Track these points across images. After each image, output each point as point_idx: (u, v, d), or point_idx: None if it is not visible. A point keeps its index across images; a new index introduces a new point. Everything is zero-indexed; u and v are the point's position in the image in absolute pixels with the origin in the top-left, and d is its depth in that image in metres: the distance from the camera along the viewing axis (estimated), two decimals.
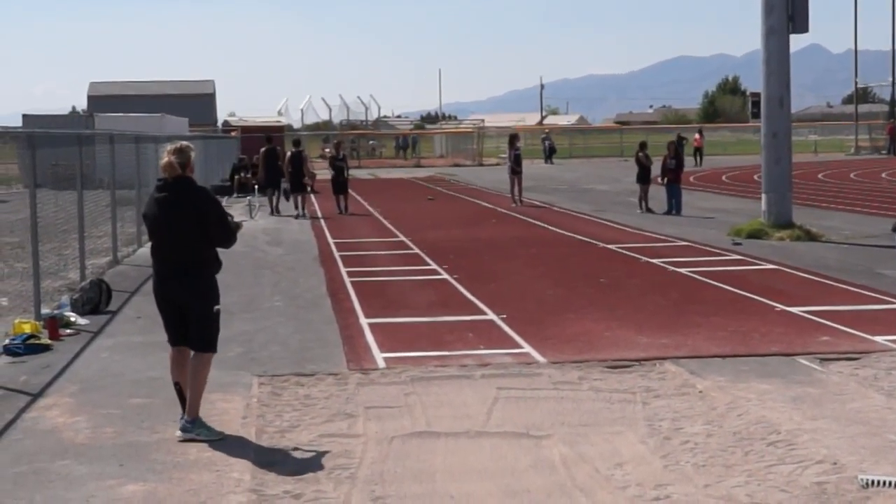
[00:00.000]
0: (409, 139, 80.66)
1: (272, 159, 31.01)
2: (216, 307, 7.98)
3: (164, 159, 8.00)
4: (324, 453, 7.30)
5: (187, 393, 7.88)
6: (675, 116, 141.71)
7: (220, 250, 8.09)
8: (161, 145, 26.12)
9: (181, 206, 7.89)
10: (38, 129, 17.63)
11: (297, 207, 28.86)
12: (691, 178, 43.36)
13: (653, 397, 8.68)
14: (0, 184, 34.38)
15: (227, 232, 8.04)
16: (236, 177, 37.84)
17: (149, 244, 8.55)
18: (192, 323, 7.95)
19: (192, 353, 7.96)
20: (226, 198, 33.16)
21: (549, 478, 6.76)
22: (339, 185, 29.61)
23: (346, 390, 9.06)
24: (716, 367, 9.70)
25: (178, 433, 7.76)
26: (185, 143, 8.25)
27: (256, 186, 31.29)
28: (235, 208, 26.52)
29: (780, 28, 21.02)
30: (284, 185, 30.58)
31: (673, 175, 27.49)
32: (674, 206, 27.10)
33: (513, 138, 32.95)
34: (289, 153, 30.35)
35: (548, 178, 46.52)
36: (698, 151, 55.33)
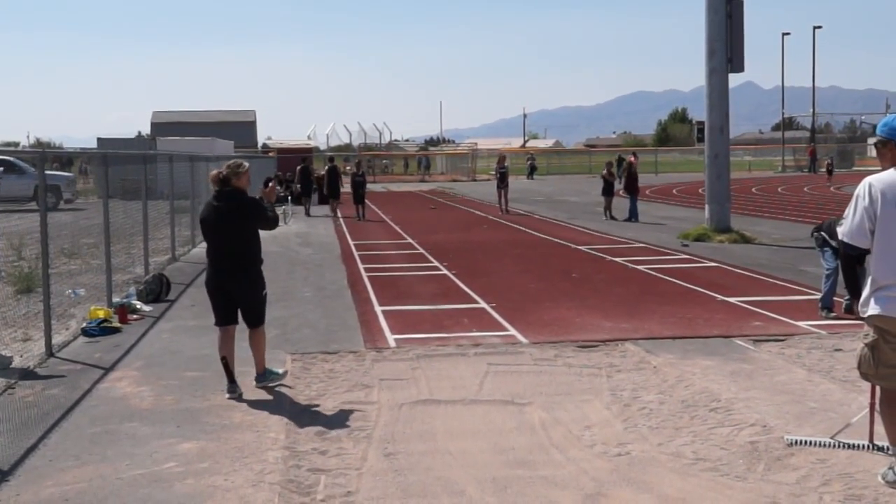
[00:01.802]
0: (427, 160, 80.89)
1: (306, 174, 33.61)
2: (264, 292, 8.27)
3: (214, 172, 8.26)
4: (345, 417, 7.33)
5: (234, 365, 8.13)
6: (633, 141, 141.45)
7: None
8: (211, 164, 26.20)
9: (231, 212, 8.03)
10: (110, 150, 17.63)
11: (332, 211, 30.08)
12: (647, 192, 43.38)
13: (615, 371, 8.69)
14: (80, 195, 34.40)
15: (269, 221, 8.27)
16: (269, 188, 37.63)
17: (203, 244, 8.64)
18: (243, 307, 8.22)
19: (248, 329, 8.25)
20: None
21: (531, 437, 6.78)
22: (358, 196, 29.96)
23: (364, 365, 9.07)
24: (667, 347, 9.72)
25: (225, 396, 8.01)
26: (239, 160, 8.41)
27: (290, 197, 31.79)
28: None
29: (720, 68, 21.05)
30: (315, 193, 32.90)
31: (629, 188, 27.66)
32: (632, 215, 27.16)
33: (500, 159, 33.18)
34: (326, 167, 32.16)
35: (529, 191, 46.49)
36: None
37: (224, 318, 8.22)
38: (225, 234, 8.05)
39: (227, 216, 8.02)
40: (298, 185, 33.80)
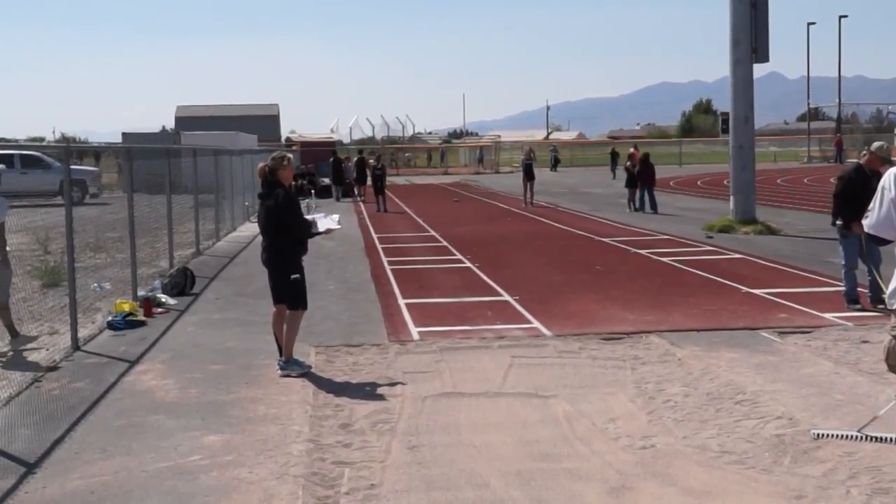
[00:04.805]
0: (482, 151, 74.49)
1: (337, 165, 38.09)
2: (293, 276, 8.59)
3: (260, 165, 8.83)
4: (369, 410, 7.33)
5: (282, 340, 8.62)
6: (657, 132, 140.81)
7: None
8: (234, 157, 26.31)
9: (269, 208, 8.60)
10: (134, 145, 17.72)
11: (357, 193, 36.10)
12: (671, 183, 43.20)
13: (640, 364, 8.66)
14: (105, 189, 34.64)
15: (302, 227, 8.69)
16: (294, 183, 37.92)
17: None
18: (273, 288, 8.78)
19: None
20: None
21: (555, 430, 6.76)
22: (379, 188, 31.25)
23: (387, 358, 9.08)
24: (692, 339, 9.67)
25: (278, 370, 8.49)
26: (283, 153, 8.72)
27: (313, 191, 32.36)
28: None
29: (745, 59, 20.91)
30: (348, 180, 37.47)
31: (643, 179, 27.50)
32: (646, 205, 27.08)
33: (528, 151, 32.65)
34: (355, 158, 37.74)
35: (553, 183, 46.34)
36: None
37: (273, 298, 8.82)
38: (264, 224, 8.73)
39: (266, 210, 8.62)
40: (332, 175, 38.20)
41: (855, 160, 10.80)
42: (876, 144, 11.19)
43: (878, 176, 10.50)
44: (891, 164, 10.64)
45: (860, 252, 10.13)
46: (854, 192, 10.34)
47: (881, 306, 10.60)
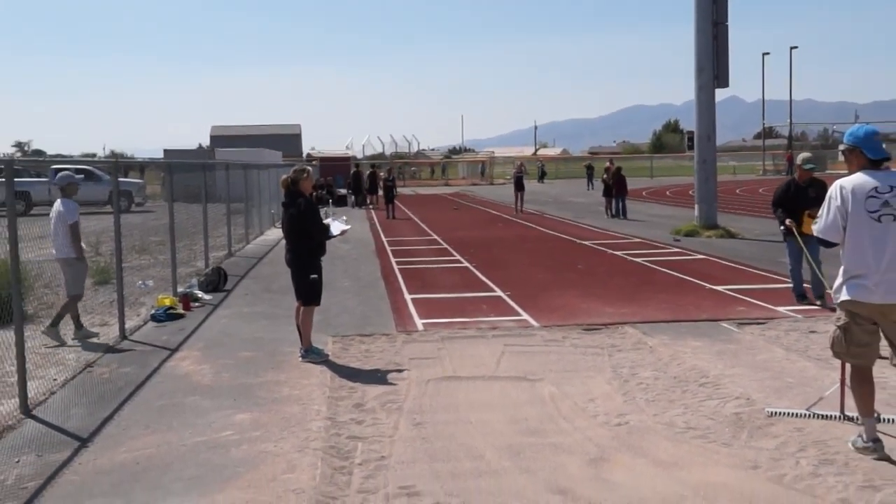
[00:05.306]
0: (483, 165, 73.94)
1: (357, 178, 39.11)
2: (312, 276, 8.61)
3: (283, 177, 8.84)
4: (379, 391, 7.32)
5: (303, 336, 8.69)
6: (632, 149, 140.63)
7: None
8: (262, 171, 26.30)
9: (290, 215, 8.62)
10: (174, 160, 17.72)
11: (369, 202, 37.23)
12: (644, 193, 43.15)
13: (616, 351, 8.65)
14: (148, 199, 34.71)
15: (321, 231, 8.74)
16: (314, 193, 37.95)
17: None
18: (294, 286, 8.76)
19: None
20: None
21: (541, 409, 6.75)
22: (389, 198, 31.35)
23: (395, 346, 9.07)
24: (662, 329, 9.66)
25: (300, 357, 8.52)
26: (303, 166, 8.72)
27: (331, 200, 32.77)
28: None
29: (708, 84, 20.90)
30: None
31: (617, 189, 27.58)
32: (619, 212, 27.15)
33: (519, 165, 33.21)
34: (367, 172, 38.74)
35: (540, 193, 46.32)
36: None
37: (296, 294, 8.81)
38: (287, 230, 8.74)
39: (290, 217, 8.63)
40: (350, 187, 39.33)
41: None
42: (800, 157, 11.22)
43: (811, 184, 10.54)
44: (811, 171, 10.67)
45: (802, 252, 10.05)
46: (785, 200, 10.55)
47: (819, 302, 10.62)
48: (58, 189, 9.70)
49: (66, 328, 9.73)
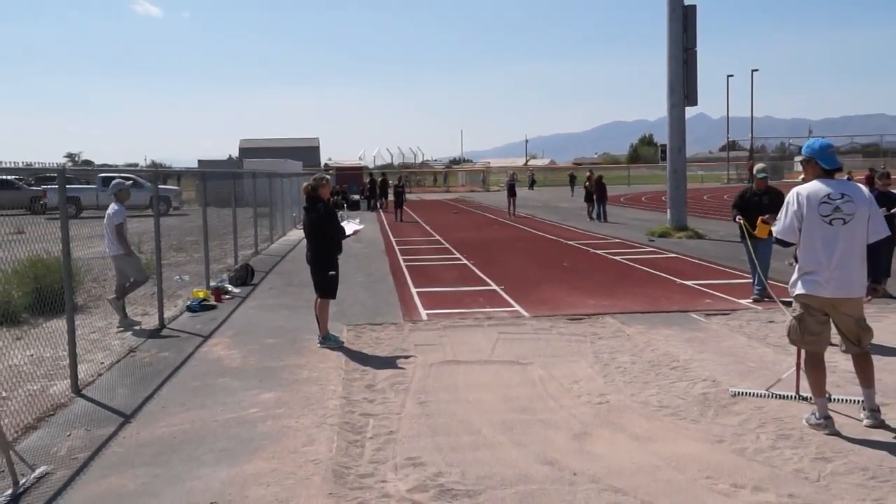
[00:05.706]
0: (484, 174, 74.34)
1: (373, 185, 38.89)
2: (330, 273, 8.60)
3: (305, 184, 8.82)
4: (388, 374, 7.33)
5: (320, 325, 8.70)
6: (611, 160, 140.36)
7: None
8: (284, 179, 26.28)
9: (311, 219, 8.59)
10: (207, 169, 17.71)
11: (379, 206, 36.76)
12: (621, 199, 43.12)
13: (597, 339, 8.65)
14: (184, 204, 34.75)
15: (338, 232, 8.67)
16: (331, 198, 38.13)
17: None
18: (314, 281, 8.70)
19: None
20: None
21: (531, 389, 6.76)
22: (399, 203, 31.52)
23: (403, 334, 9.08)
24: (638, 319, 9.66)
25: (318, 344, 8.52)
26: (322, 174, 8.73)
27: (346, 205, 32.95)
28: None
29: (678, 103, 20.88)
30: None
31: (598, 195, 27.65)
32: (600, 216, 27.18)
33: (511, 175, 33.69)
34: (379, 179, 39.03)
35: (530, 198, 46.26)
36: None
37: (315, 288, 8.75)
38: (308, 231, 8.70)
39: (309, 220, 8.60)
40: (367, 192, 39.40)
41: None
42: (756, 168, 11.24)
43: (766, 192, 10.55)
44: (765, 180, 10.65)
45: (752, 253, 9.95)
46: (741, 204, 10.60)
47: (767, 299, 10.43)
48: (111, 195, 9.83)
49: (112, 318, 9.75)
